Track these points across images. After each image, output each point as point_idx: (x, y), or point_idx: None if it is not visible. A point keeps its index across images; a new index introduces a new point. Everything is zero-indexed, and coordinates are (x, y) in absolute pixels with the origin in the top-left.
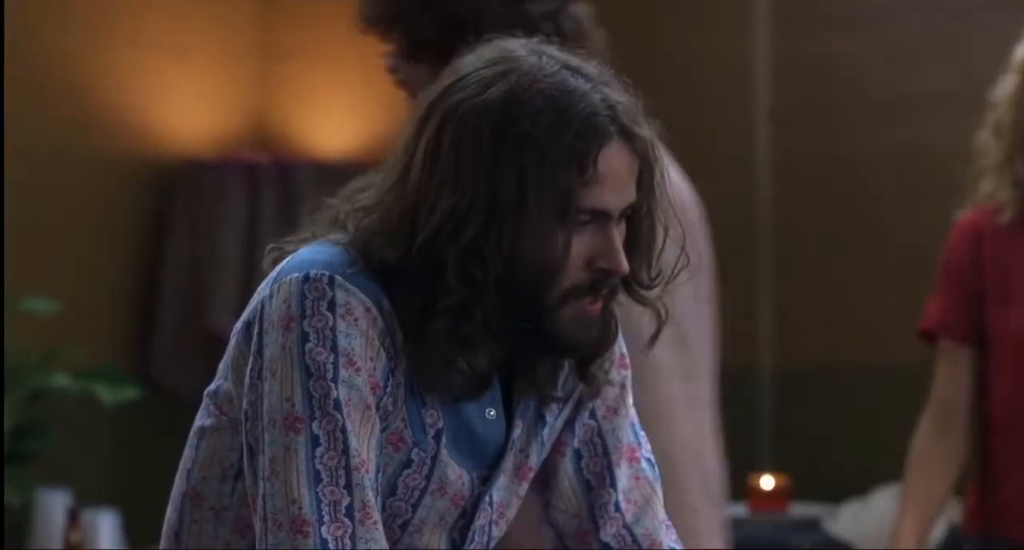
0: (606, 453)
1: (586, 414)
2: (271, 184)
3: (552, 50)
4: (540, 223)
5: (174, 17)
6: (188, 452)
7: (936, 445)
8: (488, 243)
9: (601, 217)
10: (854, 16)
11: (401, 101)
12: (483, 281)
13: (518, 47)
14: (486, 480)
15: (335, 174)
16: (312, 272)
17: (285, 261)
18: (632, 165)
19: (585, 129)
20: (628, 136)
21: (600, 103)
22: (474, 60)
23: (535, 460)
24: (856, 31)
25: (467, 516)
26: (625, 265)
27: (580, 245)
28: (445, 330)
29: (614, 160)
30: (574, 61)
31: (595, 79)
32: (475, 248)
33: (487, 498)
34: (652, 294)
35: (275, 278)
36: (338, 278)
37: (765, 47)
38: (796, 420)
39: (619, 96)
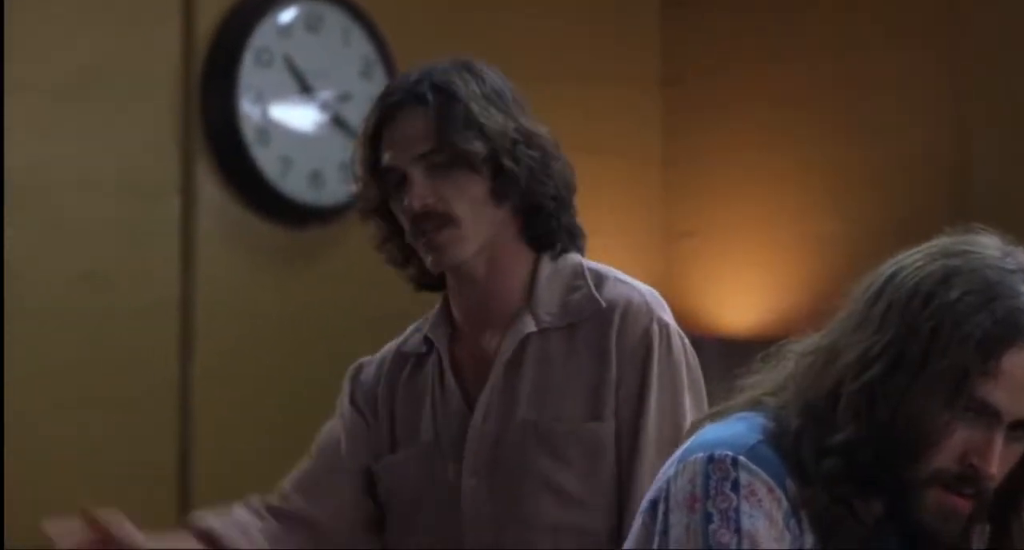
0: None
1: None
2: None
3: (1022, 256)
4: (930, 390)
5: (580, 194)
6: None
7: None
8: (882, 389)
9: (991, 415)
10: None
11: (806, 279)
12: (867, 424)
13: (990, 241)
14: None
15: (741, 351)
16: (716, 453)
17: (691, 439)
18: None
19: (1006, 321)
20: None
21: None
22: (947, 239)
23: None
24: None
25: None
26: (994, 470)
27: (961, 433)
28: (836, 468)
29: (1021, 364)
30: None
31: None
32: (870, 390)
33: None
34: None
35: (681, 457)
36: (742, 459)
37: None
38: None
39: None
